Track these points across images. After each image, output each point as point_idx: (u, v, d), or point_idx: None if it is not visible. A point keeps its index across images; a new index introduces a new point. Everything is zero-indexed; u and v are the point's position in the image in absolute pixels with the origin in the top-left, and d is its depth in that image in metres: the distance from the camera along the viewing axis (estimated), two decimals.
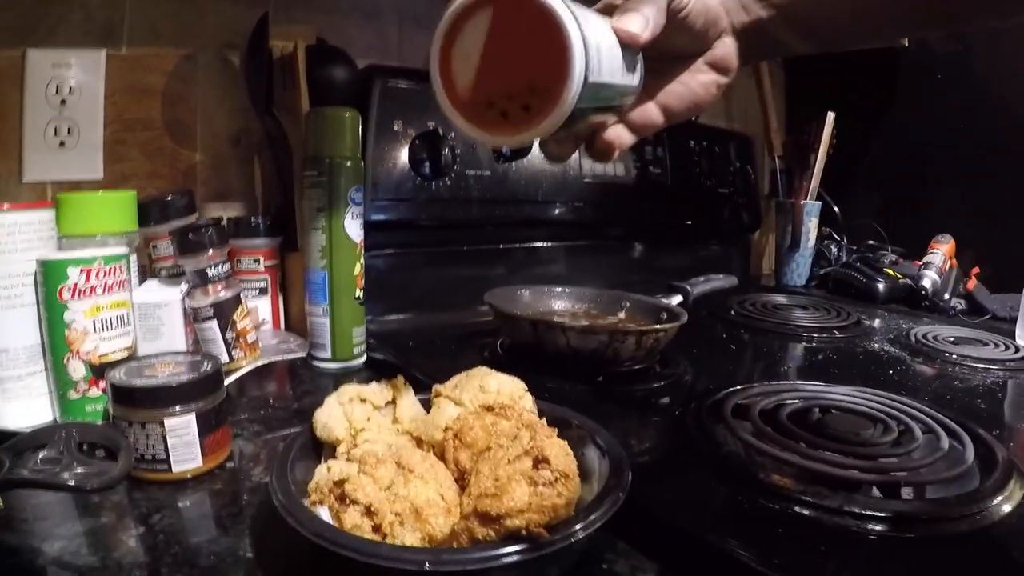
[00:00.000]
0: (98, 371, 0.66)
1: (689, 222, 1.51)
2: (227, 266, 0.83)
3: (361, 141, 0.89)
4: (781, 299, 1.39)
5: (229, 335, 0.82)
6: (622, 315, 0.99)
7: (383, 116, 1.01)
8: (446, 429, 0.51)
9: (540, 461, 0.41)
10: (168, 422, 0.56)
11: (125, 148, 1.00)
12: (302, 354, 0.92)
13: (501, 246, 1.21)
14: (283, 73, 1.00)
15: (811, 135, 1.63)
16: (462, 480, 0.48)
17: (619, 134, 0.54)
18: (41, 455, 0.53)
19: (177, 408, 0.57)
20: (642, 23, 0.47)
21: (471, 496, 0.42)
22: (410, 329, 1.04)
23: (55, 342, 0.66)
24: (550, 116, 0.41)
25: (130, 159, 1.00)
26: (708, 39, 0.56)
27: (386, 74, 1.04)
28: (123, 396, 0.57)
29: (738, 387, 0.75)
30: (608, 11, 0.49)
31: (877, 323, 1.24)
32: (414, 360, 0.88)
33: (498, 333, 0.97)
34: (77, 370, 0.66)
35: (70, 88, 0.94)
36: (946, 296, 1.39)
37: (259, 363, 0.87)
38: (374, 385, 0.56)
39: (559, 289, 1.04)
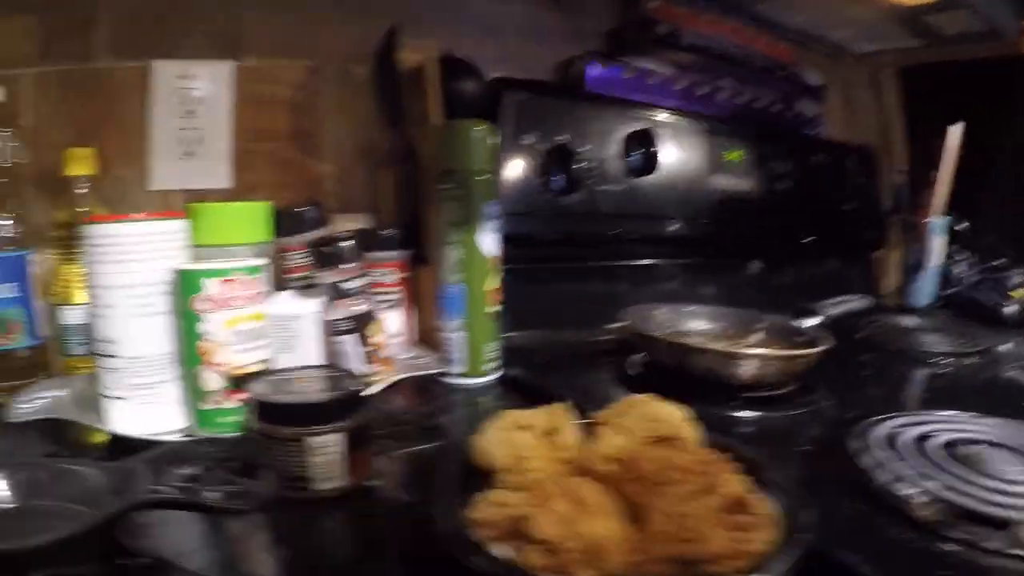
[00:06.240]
0: (232, 383, 0.66)
1: (812, 239, 1.46)
2: (363, 279, 0.82)
3: None
4: (910, 321, 1.32)
5: (365, 349, 0.81)
6: (760, 336, 0.95)
7: (514, 129, 1.00)
8: (614, 460, 0.48)
9: (734, 504, 0.40)
10: (314, 440, 0.54)
11: (251, 158, 1.01)
12: (435, 370, 0.89)
13: (627, 263, 1.19)
14: (413, 86, 0.99)
15: (936, 148, 1.57)
16: (630, 513, 0.44)
17: None
18: (182, 471, 0.52)
19: (326, 426, 0.55)
20: None
21: (650, 534, 0.40)
22: (536, 345, 1.01)
23: (189, 352, 0.65)
24: None
25: (257, 169, 1.01)
26: None
27: (514, 87, 1.02)
28: (269, 412, 0.55)
29: (882, 416, 0.72)
30: None
31: (1011, 348, 1.19)
32: (546, 378, 0.86)
33: (624, 351, 0.94)
34: (211, 381, 0.65)
35: (196, 98, 0.95)
36: None
37: (393, 378, 0.85)
38: (534, 411, 0.53)
39: (694, 308, 1.01)
